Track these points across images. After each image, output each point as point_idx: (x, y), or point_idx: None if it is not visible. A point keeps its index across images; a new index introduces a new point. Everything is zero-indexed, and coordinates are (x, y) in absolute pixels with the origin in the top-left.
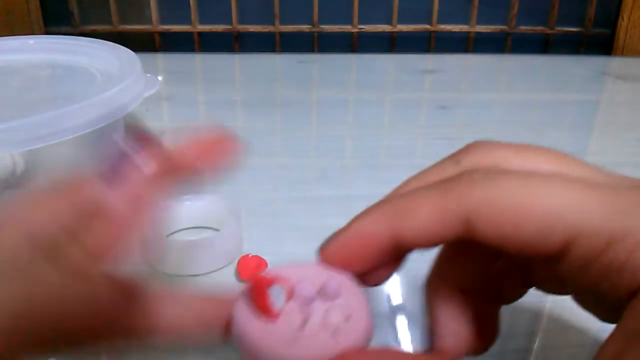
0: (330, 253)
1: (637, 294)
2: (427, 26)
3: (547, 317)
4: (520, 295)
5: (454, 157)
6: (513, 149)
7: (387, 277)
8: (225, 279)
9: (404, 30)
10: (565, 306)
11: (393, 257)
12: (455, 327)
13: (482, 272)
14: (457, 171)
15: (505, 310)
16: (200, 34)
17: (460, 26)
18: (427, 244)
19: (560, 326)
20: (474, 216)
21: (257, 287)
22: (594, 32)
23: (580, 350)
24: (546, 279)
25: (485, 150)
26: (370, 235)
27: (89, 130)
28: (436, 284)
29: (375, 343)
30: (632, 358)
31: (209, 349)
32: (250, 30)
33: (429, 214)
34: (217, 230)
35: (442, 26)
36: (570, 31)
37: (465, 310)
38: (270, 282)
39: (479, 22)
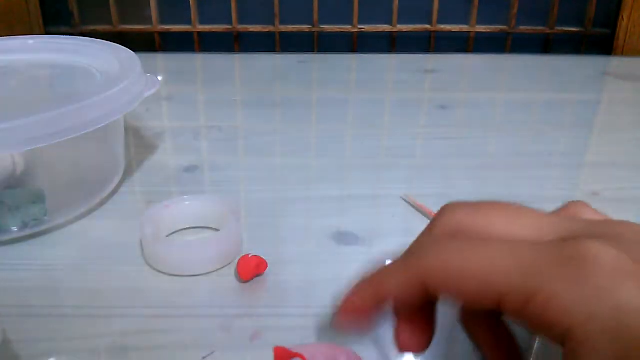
0: (338, 323)
1: (563, 345)
2: (427, 26)
3: None
4: None
5: (430, 224)
6: (473, 209)
7: (427, 343)
8: (225, 279)
9: (404, 30)
10: None
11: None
12: (496, 345)
13: None
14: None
15: None
16: (200, 34)
17: (460, 26)
18: (405, 307)
19: None
20: (427, 281)
21: (279, 358)
22: (594, 32)
23: None
24: None
25: (451, 213)
26: (362, 307)
27: (89, 130)
28: (467, 318)
29: (374, 343)
30: None
31: (209, 349)
32: (250, 30)
33: (397, 285)
34: (217, 230)
35: (442, 26)
36: (570, 31)
37: (500, 330)
38: (290, 355)
39: (479, 22)
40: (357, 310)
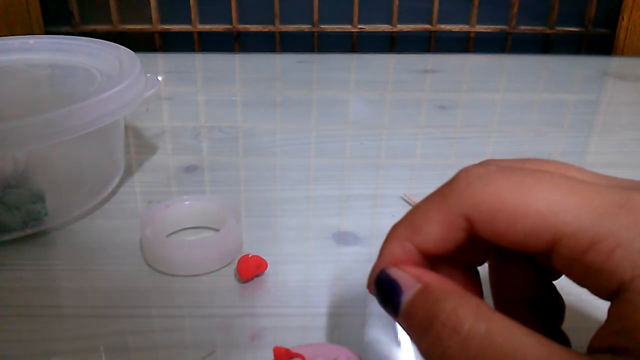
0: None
1: (616, 295)
2: (427, 26)
3: None
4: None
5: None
6: (519, 161)
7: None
8: (225, 279)
9: (404, 30)
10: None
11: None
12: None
13: (535, 282)
14: None
15: None
16: (200, 33)
17: (460, 26)
18: (447, 249)
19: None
20: (472, 215)
21: (279, 358)
22: (594, 32)
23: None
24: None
25: (494, 162)
26: (402, 256)
27: (89, 130)
28: (501, 302)
29: (374, 343)
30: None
31: (209, 349)
32: (250, 30)
33: (436, 223)
34: (217, 230)
35: (442, 26)
36: (570, 31)
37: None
38: (290, 355)
39: (479, 22)
40: (398, 262)
